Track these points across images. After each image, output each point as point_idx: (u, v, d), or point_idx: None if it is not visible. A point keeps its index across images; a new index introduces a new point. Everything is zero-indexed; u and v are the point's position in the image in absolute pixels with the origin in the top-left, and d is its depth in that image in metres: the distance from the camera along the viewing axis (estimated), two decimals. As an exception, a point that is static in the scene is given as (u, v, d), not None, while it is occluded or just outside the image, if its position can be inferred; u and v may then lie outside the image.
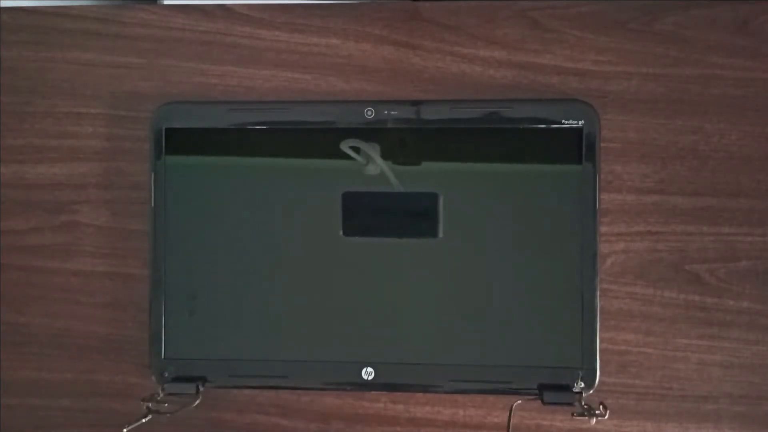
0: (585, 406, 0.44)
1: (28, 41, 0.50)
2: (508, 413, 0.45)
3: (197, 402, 0.47)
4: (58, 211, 0.50)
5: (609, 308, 0.47)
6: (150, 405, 0.46)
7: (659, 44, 0.47)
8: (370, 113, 0.47)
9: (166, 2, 0.53)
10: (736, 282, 0.47)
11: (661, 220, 0.47)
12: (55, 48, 0.50)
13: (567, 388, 0.45)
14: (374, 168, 0.47)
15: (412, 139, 0.47)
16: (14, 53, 0.50)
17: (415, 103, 0.47)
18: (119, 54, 0.50)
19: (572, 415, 0.45)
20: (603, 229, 0.47)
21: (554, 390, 0.45)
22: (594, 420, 0.44)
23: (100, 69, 0.50)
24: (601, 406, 0.44)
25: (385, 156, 0.46)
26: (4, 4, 0.51)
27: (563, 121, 0.46)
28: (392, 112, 0.46)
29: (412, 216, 0.47)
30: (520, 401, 0.45)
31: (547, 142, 0.46)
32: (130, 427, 0.45)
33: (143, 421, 0.45)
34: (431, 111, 0.46)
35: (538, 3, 0.48)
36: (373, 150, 0.46)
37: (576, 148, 0.45)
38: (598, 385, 0.45)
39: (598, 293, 0.45)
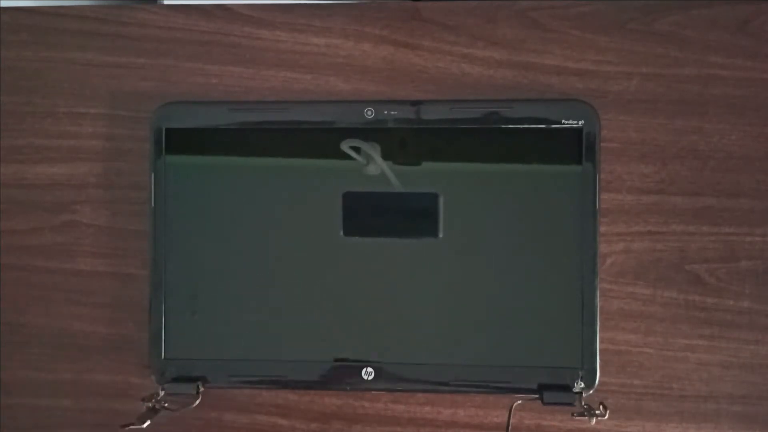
0: (585, 406, 0.44)
1: (28, 41, 0.50)
2: (507, 413, 0.45)
3: (197, 402, 0.47)
4: (58, 211, 0.50)
5: (609, 308, 0.47)
6: (150, 405, 0.46)
7: (659, 44, 0.47)
8: (370, 113, 0.47)
9: (166, 2, 0.53)
10: (736, 282, 0.47)
11: (661, 220, 0.47)
12: (55, 48, 0.50)
13: (567, 388, 0.45)
14: (374, 168, 0.47)
15: (412, 139, 0.47)
16: (14, 53, 0.50)
17: (415, 103, 0.47)
18: (119, 54, 0.50)
19: (572, 415, 0.45)
20: (603, 229, 0.47)
21: (554, 390, 0.45)
22: (594, 420, 0.44)
23: (100, 69, 0.50)
24: (601, 406, 0.44)
25: (385, 156, 0.46)
26: (4, 4, 0.51)
27: (563, 121, 0.46)
28: (392, 112, 0.46)
29: (413, 216, 0.47)
30: (519, 401, 0.45)
31: (547, 142, 0.46)
32: (132, 427, 0.44)
33: (144, 425, 0.44)
34: (431, 111, 0.46)
35: (538, 3, 0.48)
36: (373, 150, 0.46)
37: (576, 148, 0.45)
38: (598, 385, 0.45)
39: (598, 293, 0.45)
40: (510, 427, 0.46)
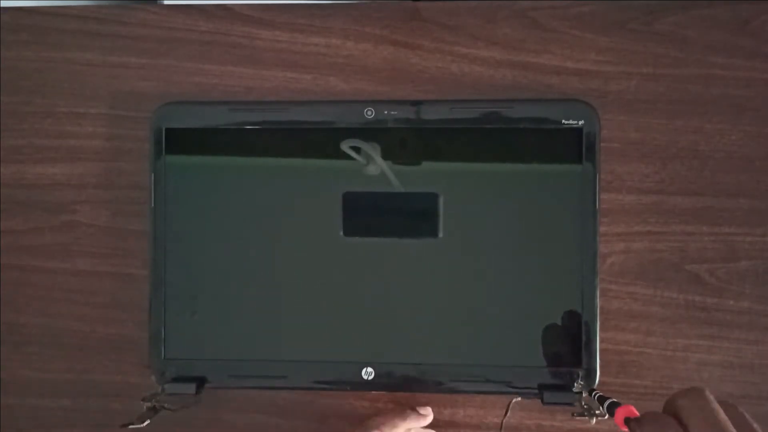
0: (585, 406, 0.44)
1: (28, 41, 0.50)
2: (506, 408, 0.45)
3: (197, 402, 0.47)
4: (58, 211, 0.50)
5: (609, 308, 0.47)
6: (150, 405, 0.46)
7: (659, 44, 0.47)
8: (370, 113, 0.47)
9: (166, 2, 0.53)
10: (736, 282, 0.47)
11: (661, 220, 0.47)
12: (55, 48, 0.50)
13: (567, 388, 0.45)
14: (374, 168, 0.47)
15: (412, 139, 0.47)
16: (14, 53, 0.50)
17: (415, 103, 0.47)
18: (119, 54, 0.50)
19: (572, 415, 0.45)
20: (603, 229, 0.47)
21: (554, 390, 0.45)
22: (594, 420, 0.44)
23: (100, 69, 0.50)
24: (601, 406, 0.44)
25: (385, 156, 0.46)
26: (4, 4, 0.51)
27: (563, 121, 0.46)
28: (392, 112, 0.46)
29: (413, 216, 0.46)
30: (519, 398, 0.45)
31: (547, 142, 0.46)
32: (132, 427, 0.44)
33: (143, 425, 0.44)
34: (431, 111, 0.46)
35: (538, 3, 0.48)
36: (373, 150, 0.46)
37: (576, 148, 0.45)
38: (598, 385, 0.45)
39: (598, 293, 0.45)
40: (505, 422, 0.46)
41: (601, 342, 0.45)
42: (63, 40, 0.50)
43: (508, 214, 0.46)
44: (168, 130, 0.47)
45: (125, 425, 0.44)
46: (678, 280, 0.47)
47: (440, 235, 0.46)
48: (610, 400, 0.40)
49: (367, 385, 0.46)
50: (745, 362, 0.47)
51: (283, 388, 0.48)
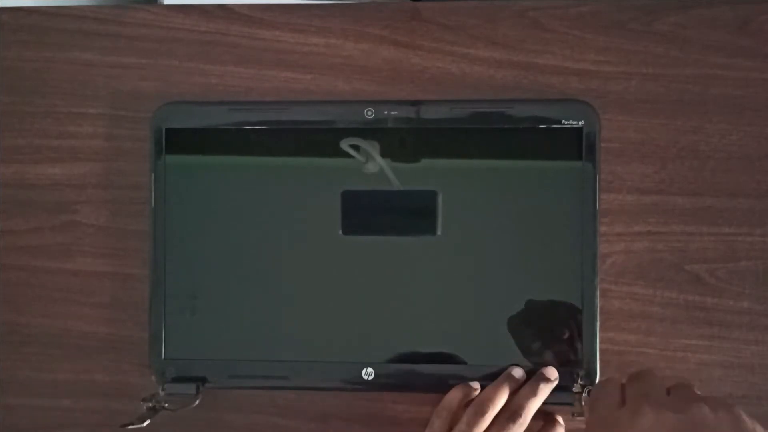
0: (585, 406, 0.44)
1: (28, 41, 0.50)
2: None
3: (197, 402, 0.47)
4: (58, 211, 0.50)
5: (609, 308, 0.47)
6: (150, 405, 0.46)
7: (659, 44, 0.47)
8: (370, 113, 0.47)
9: (166, 2, 0.53)
10: (736, 282, 0.47)
11: (661, 220, 0.47)
12: (55, 48, 0.50)
13: (567, 388, 0.45)
14: (374, 166, 0.47)
15: (412, 139, 0.47)
16: (14, 53, 0.50)
17: (415, 103, 0.47)
18: (119, 54, 0.50)
19: (572, 415, 0.45)
20: (603, 229, 0.47)
21: (554, 390, 0.45)
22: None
23: (100, 69, 0.50)
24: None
25: (384, 155, 0.46)
26: (4, 4, 0.51)
27: (563, 121, 0.46)
28: (392, 112, 0.46)
29: (411, 214, 0.46)
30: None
31: (547, 142, 0.46)
32: (131, 427, 0.44)
33: (144, 424, 0.44)
34: (431, 111, 0.46)
35: (538, 3, 0.48)
36: (372, 148, 0.46)
37: (576, 148, 0.45)
38: (598, 385, 0.45)
39: (598, 293, 0.45)
40: None
41: (601, 342, 0.45)
42: (63, 40, 0.50)
43: (508, 213, 0.46)
44: (168, 130, 0.47)
45: (125, 425, 0.44)
46: (678, 280, 0.47)
47: (439, 233, 0.46)
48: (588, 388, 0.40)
49: (367, 385, 0.46)
50: (745, 362, 0.47)
51: (283, 388, 0.48)
